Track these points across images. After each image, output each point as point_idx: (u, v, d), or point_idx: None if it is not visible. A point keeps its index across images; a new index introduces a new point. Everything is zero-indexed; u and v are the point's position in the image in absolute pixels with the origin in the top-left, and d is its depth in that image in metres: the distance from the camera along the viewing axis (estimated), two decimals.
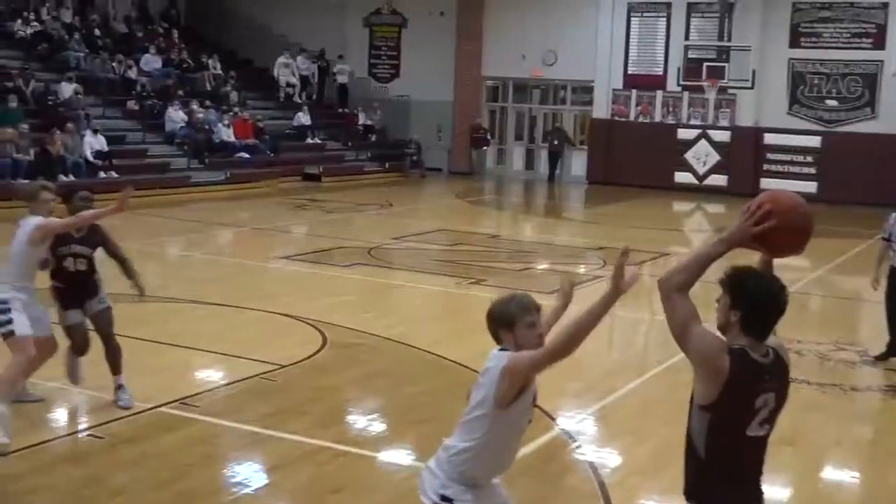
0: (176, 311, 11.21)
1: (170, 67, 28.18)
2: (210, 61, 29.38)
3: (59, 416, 7.85)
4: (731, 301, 3.73)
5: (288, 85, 30.42)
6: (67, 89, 23.85)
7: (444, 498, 4.17)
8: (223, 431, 7.51)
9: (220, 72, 29.30)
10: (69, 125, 21.87)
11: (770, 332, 3.77)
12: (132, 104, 25.68)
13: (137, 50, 28.04)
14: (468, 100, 30.68)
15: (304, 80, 30.87)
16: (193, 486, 6.40)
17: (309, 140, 28.81)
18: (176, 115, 25.54)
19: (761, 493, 3.87)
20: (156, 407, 7.72)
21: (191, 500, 6.20)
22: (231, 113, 26.88)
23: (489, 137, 30.84)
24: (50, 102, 23.39)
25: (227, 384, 8.66)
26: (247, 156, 25.92)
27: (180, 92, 26.79)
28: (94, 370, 7.88)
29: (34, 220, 7.21)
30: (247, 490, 6.43)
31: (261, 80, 30.99)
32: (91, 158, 21.94)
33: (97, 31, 27.93)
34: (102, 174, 21.92)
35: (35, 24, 26.62)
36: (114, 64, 26.47)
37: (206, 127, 25.71)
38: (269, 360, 9.11)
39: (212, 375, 8.99)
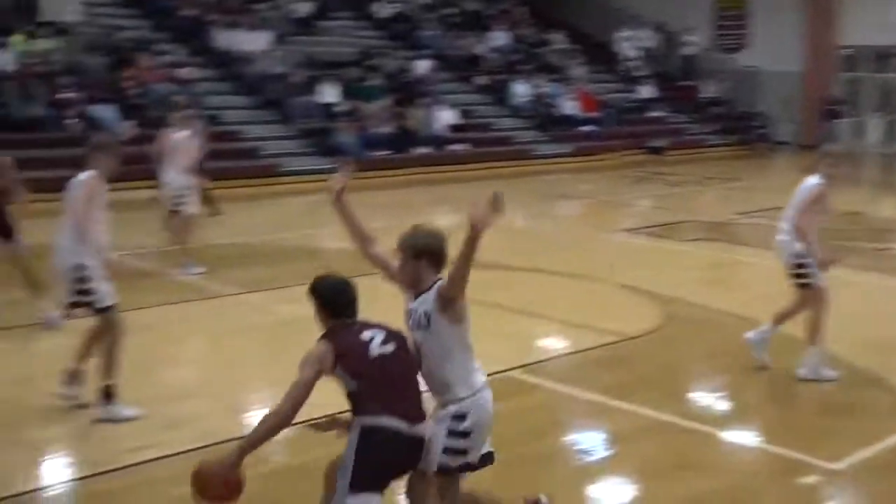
0: (521, 281, 11.48)
1: (517, 43, 28.83)
2: (555, 36, 29.74)
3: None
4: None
5: (630, 58, 30.17)
6: (422, 66, 25.04)
7: None
8: (568, 399, 7.60)
9: (564, 46, 29.58)
10: (424, 100, 23.00)
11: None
12: (481, 79, 26.53)
13: (486, 27, 28.92)
14: (819, 69, 28.95)
15: (647, 53, 30.48)
16: (542, 450, 6.53)
17: (652, 113, 28.46)
18: (521, 90, 26.12)
19: None
20: (505, 371, 7.94)
21: (542, 462, 6.33)
22: (575, 87, 27.09)
23: (842, 109, 28.96)
24: (406, 80, 24.66)
25: (573, 353, 8.76)
26: (591, 128, 26.03)
27: (526, 67, 27.33)
28: None
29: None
30: (593, 458, 6.46)
31: (604, 54, 30.93)
32: (442, 132, 22.94)
33: (450, 10, 29.04)
34: (453, 146, 22.87)
35: (394, 4, 28.11)
36: (464, 41, 27.45)
37: (550, 101, 26.07)
38: (613, 331, 9.12)
39: (557, 343, 9.14)
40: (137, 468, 5.94)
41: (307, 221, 15.84)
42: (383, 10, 27.79)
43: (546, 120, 25.61)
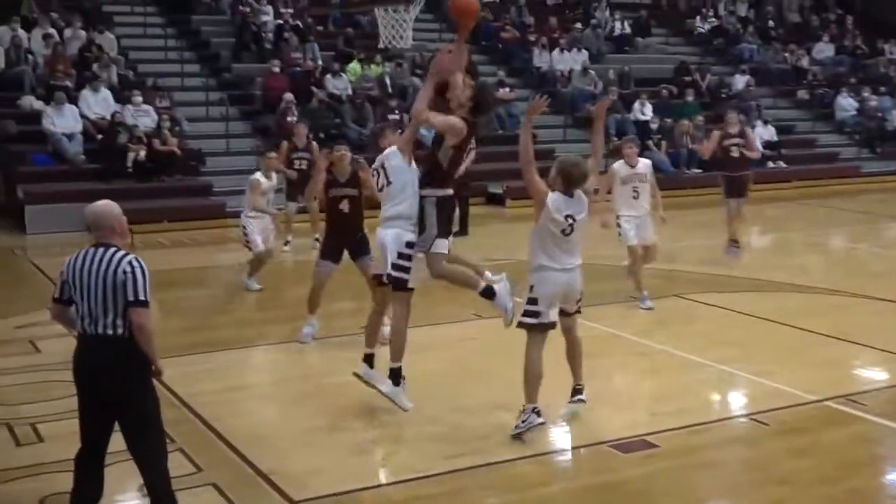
0: (843, 306, 10.90)
1: (843, 55, 27.41)
2: (885, 46, 27.97)
3: (726, 397, 8.12)
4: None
5: None
6: (740, 81, 24.41)
7: None
8: (891, 434, 7.16)
9: (895, 57, 27.75)
10: (741, 116, 22.34)
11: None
12: (802, 93, 25.48)
13: (810, 38, 27.72)
14: None
15: None
16: (861, 486, 6.20)
17: None
18: (846, 103, 24.82)
19: None
20: (821, 400, 7.59)
21: (858, 499, 6.02)
22: None
23: None
24: (723, 95, 24.09)
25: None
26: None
27: (852, 79, 25.93)
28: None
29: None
30: None
31: None
32: (760, 149, 22.16)
33: (770, 23, 28.09)
34: (771, 164, 22.08)
35: (712, 19, 27.57)
36: (785, 54, 26.46)
37: (879, 115, 24.56)
38: None
39: (881, 374, 8.61)
40: (452, 475, 6.21)
41: (616, 240, 15.82)
42: (704, 25, 27.33)
43: (874, 135, 24.12)
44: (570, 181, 6.65)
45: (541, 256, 6.68)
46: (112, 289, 4.89)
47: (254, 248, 11.30)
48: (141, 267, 4.94)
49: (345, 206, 8.96)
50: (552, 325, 6.78)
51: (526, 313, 6.70)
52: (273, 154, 11.99)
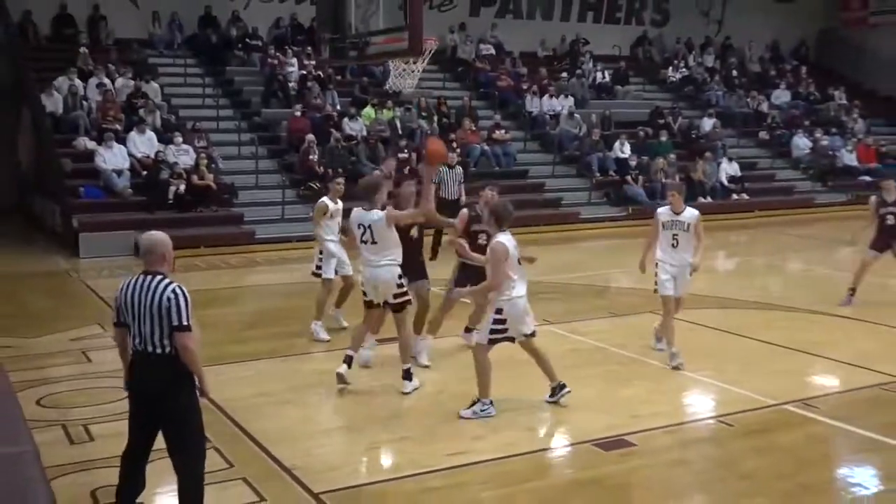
0: (799, 321, 10.89)
1: (798, 100, 27.51)
2: (835, 93, 28.07)
3: (697, 402, 8.10)
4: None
5: None
6: (708, 123, 24.47)
7: None
8: (842, 434, 7.13)
9: (844, 102, 27.83)
10: (708, 154, 22.43)
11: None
12: (763, 134, 25.55)
13: (769, 86, 27.81)
14: None
15: None
16: (813, 481, 6.17)
17: None
18: (802, 143, 24.89)
19: None
20: (780, 404, 7.59)
21: (811, 493, 6.00)
22: (854, 139, 25.42)
23: None
24: (693, 135, 24.14)
25: (847, 391, 8.20)
26: (869, 179, 24.28)
27: (807, 122, 26.00)
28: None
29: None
30: (864, 492, 6.04)
31: (885, 107, 28.77)
32: (725, 183, 22.25)
33: (734, 72, 28.18)
34: (735, 196, 22.12)
35: (683, 69, 27.67)
36: (748, 100, 26.55)
37: (830, 153, 24.62)
38: (891, 373, 8.45)
39: (833, 381, 8.61)
40: (454, 471, 6.20)
41: (599, 263, 15.89)
42: (675, 75, 27.43)
43: (826, 171, 24.17)
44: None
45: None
46: (158, 313, 4.91)
47: (324, 274, 9.97)
48: (183, 294, 4.96)
49: (414, 232, 8.66)
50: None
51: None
52: (340, 180, 10.39)
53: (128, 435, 5.21)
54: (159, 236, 5.15)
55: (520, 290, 7.15)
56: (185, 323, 4.92)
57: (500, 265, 6.97)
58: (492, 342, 7.22)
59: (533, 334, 7.39)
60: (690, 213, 8.82)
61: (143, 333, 4.97)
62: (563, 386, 7.49)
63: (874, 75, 29.79)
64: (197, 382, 5.05)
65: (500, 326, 7.17)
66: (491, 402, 7.22)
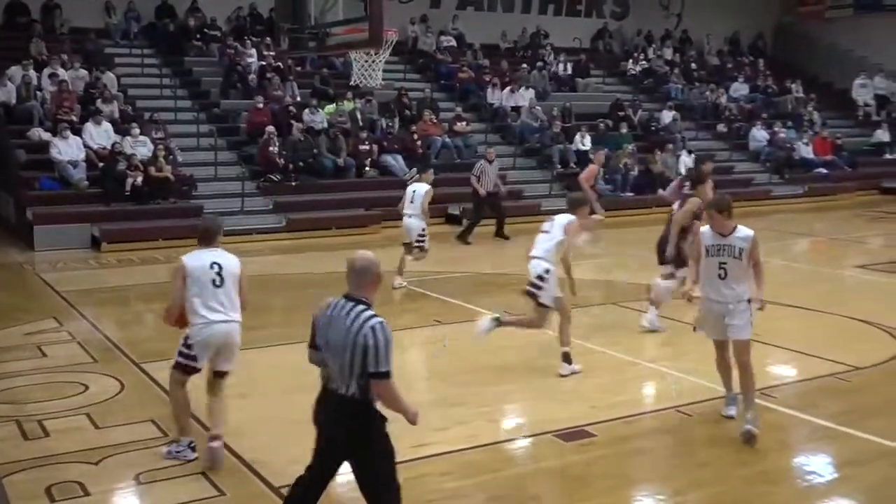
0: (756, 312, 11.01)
1: (756, 93, 27.83)
2: (793, 86, 28.44)
3: (655, 392, 8.18)
4: None
5: (866, 104, 28.35)
6: (667, 116, 24.66)
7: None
8: (798, 423, 7.25)
9: (801, 95, 28.22)
10: (668, 146, 22.61)
11: None
12: (721, 127, 25.80)
13: (727, 79, 28.10)
14: None
15: (882, 99, 28.51)
16: (770, 469, 6.27)
17: (888, 156, 26.55)
18: (759, 135, 25.18)
19: None
20: (738, 394, 7.66)
21: (768, 480, 6.08)
22: (811, 132, 25.79)
23: None
24: (653, 128, 24.33)
25: (803, 380, 8.35)
26: (825, 171, 24.68)
27: (764, 115, 26.32)
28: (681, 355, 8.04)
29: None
30: (819, 480, 6.15)
31: (840, 101, 29.20)
32: (684, 175, 22.40)
33: (693, 66, 28.44)
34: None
35: (643, 62, 27.86)
36: (706, 93, 26.80)
37: (788, 145, 24.94)
38: (844, 362, 8.61)
39: (788, 371, 8.73)
40: (416, 463, 6.19)
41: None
42: (635, 67, 27.62)
43: (783, 163, 24.49)
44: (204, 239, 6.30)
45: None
46: (352, 351, 4.24)
47: (425, 251, 12.32)
48: (384, 333, 4.24)
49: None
50: None
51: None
52: (431, 170, 13.42)
53: (311, 460, 4.67)
54: (374, 257, 4.46)
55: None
56: (383, 369, 4.23)
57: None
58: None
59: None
60: (743, 235, 6.84)
61: (332, 367, 4.35)
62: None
63: (830, 69, 30.23)
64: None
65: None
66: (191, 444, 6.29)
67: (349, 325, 4.24)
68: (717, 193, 7.94)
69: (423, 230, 12.24)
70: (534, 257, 8.28)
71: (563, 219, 8.32)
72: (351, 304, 4.32)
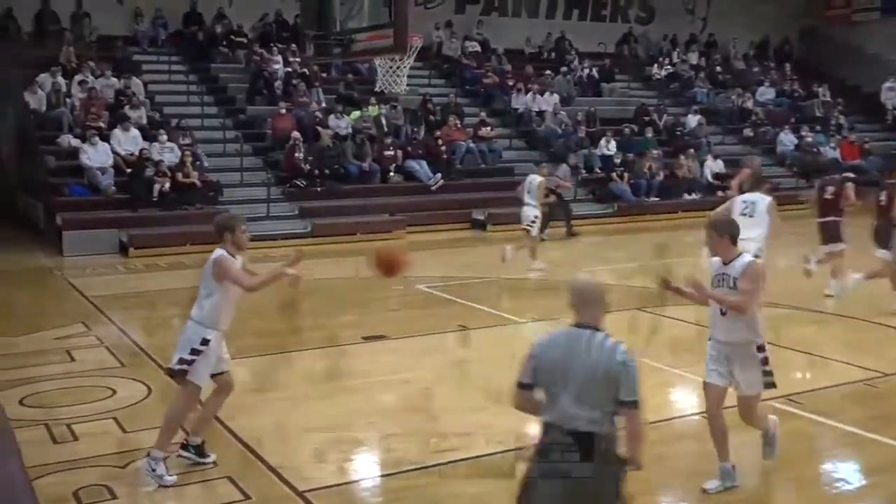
0: (785, 318, 10.91)
1: (782, 97, 27.64)
2: (820, 90, 28.21)
3: (679, 398, 8.14)
4: None
5: (894, 108, 28.04)
6: (693, 120, 24.54)
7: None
8: (825, 429, 7.18)
9: (828, 99, 27.99)
10: (692, 151, 22.50)
11: None
12: (747, 131, 25.64)
13: (754, 83, 27.92)
14: None
15: None
16: (797, 476, 6.22)
17: None
18: (786, 139, 25.00)
19: None
20: (764, 400, 7.58)
21: (795, 488, 6.03)
22: (838, 136, 25.56)
23: None
24: (678, 132, 24.21)
25: (831, 386, 8.25)
26: (853, 175, 24.41)
27: (791, 119, 26.13)
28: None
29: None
30: (847, 487, 6.09)
31: (868, 105, 28.91)
32: (710, 179, 22.32)
33: (719, 70, 28.29)
34: (720, 192, 22.13)
35: (668, 67, 27.75)
36: (732, 97, 26.64)
37: (815, 149, 24.74)
38: (874, 368, 8.51)
39: (816, 377, 8.64)
40: (440, 468, 6.20)
41: (586, 261, 15.91)
42: (661, 72, 27.52)
43: (810, 167, 24.28)
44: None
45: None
46: (597, 382, 4.01)
47: (535, 234, 13.83)
48: (633, 361, 4.05)
49: None
50: None
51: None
52: (545, 166, 15.62)
53: None
54: (592, 283, 4.26)
55: None
56: (635, 398, 4.03)
57: None
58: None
59: None
60: (740, 264, 5.76)
61: (567, 405, 4.02)
62: None
63: (857, 72, 29.93)
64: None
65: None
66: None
67: (595, 355, 4.03)
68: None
69: (536, 216, 13.80)
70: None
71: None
72: (587, 332, 4.09)
